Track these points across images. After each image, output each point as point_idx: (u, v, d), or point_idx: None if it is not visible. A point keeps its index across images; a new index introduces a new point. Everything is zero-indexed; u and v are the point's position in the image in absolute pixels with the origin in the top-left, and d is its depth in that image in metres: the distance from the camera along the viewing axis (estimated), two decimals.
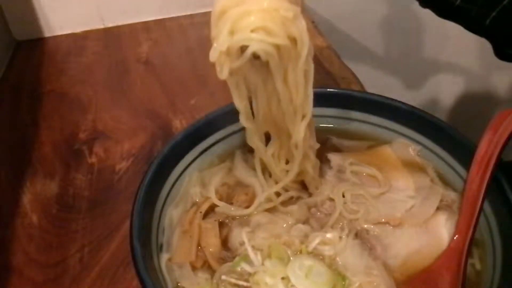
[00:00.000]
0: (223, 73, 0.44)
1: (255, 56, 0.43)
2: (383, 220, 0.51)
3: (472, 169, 0.50)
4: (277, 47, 0.43)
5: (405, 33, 1.36)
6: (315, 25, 1.05)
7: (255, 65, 0.45)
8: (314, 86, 0.47)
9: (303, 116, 0.49)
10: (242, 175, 0.57)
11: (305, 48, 0.43)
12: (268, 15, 0.41)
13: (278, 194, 0.54)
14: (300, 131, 0.49)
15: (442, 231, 0.49)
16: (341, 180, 0.55)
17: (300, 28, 0.43)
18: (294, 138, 0.50)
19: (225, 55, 0.43)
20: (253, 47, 0.42)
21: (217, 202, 0.54)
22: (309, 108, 0.48)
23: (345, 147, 0.61)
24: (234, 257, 0.49)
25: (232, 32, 0.42)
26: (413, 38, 1.37)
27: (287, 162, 0.53)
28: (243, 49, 0.42)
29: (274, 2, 0.41)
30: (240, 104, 0.48)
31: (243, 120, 0.49)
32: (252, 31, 0.41)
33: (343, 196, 0.53)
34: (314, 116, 0.50)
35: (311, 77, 0.47)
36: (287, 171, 0.53)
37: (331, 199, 0.54)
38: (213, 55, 0.43)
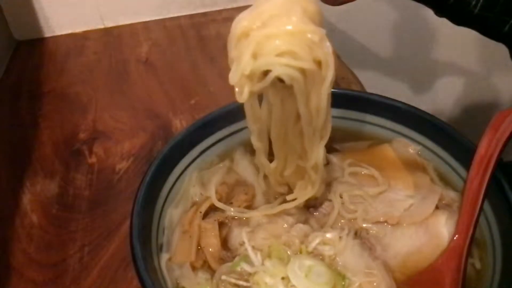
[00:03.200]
0: (243, 96, 0.42)
1: (279, 80, 0.41)
2: (381, 219, 0.51)
3: (472, 169, 0.50)
4: (303, 71, 0.41)
5: (405, 33, 1.36)
6: None
7: (276, 86, 0.43)
8: None
9: (321, 138, 0.47)
10: (244, 173, 0.57)
11: (330, 71, 0.41)
12: (294, 38, 0.39)
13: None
14: (319, 152, 0.48)
15: (442, 230, 0.49)
16: (339, 183, 0.55)
17: (326, 51, 0.40)
18: (313, 160, 0.48)
19: (245, 78, 0.41)
20: (277, 71, 0.40)
21: (216, 203, 0.53)
22: (328, 130, 0.47)
23: (344, 147, 0.61)
24: (234, 257, 0.49)
25: (255, 56, 0.40)
26: (413, 38, 1.37)
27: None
28: (265, 71, 0.40)
29: (300, 25, 0.39)
30: (253, 125, 0.47)
31: (255, 141, 0.48)
32: (277, 55, 0.39)
33: (341, 197, 0.53)
34: None
35: (330, 100, 0.45)
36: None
37: (329, 200, 0.54)
38: (233, 78, 0.41)
